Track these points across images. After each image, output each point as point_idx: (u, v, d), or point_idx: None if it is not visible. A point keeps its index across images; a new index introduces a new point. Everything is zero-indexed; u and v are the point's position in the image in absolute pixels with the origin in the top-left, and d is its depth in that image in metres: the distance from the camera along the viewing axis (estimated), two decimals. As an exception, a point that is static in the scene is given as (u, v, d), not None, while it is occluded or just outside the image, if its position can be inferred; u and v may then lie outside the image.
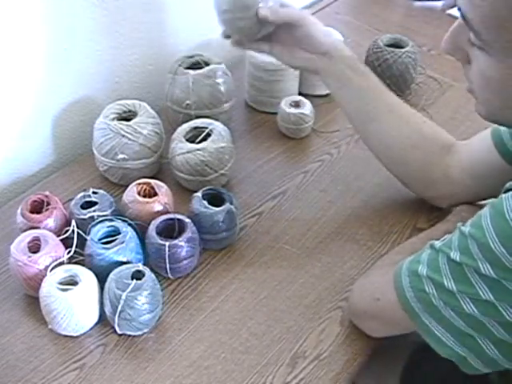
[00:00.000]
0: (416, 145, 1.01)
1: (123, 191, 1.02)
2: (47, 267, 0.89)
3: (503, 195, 0.67)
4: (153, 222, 0.95)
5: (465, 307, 0.70)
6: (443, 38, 0.74)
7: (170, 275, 0.95)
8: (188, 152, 1.05)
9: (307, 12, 1.03)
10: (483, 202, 0.91)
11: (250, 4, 0.95)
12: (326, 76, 1.02)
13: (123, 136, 1.05)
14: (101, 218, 0.95)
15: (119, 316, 0.86)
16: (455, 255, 0.70)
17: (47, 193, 0.99)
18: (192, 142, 1.07)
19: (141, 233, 0.96)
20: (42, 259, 0.90)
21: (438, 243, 0.74)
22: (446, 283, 0.71)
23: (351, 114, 1.03)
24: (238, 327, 0.91)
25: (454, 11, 1.56)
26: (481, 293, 0.68)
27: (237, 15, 0.96)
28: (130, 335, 0.89)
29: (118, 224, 0.94)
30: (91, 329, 0.90)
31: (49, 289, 0.87)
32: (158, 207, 0.98)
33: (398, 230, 1.05)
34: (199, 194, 0.99)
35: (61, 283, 0.87)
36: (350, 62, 1.01)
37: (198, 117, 1.13)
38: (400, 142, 1.01)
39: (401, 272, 0.77)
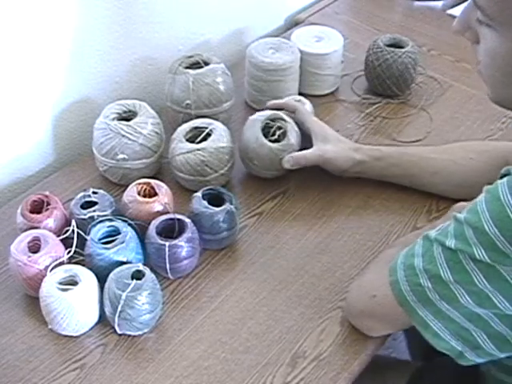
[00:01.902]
0: (474, 184, 1.03)
1: (123, 191, 1.02)
2: (47, 267, 0.89)
3: (499, 181, 0.68)
4: (153, 222, 0.95)
5: (460, 299, 0.70)
6: (455, 19, 0.77)
7: (170, 275, 0.95)
8: (188, 152, 1.05)
9: (323, 130, 1.10)
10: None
11: (274, 159, 1.07)
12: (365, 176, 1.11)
13: (123, 136, 1.05)
14: (101, 218, 0.95)
15: (119, 316, 0.86)
16: (450, 242, 0.70)
17: (47, 193, 0.99)
18: (192, 141, 1.07)
19: (141, 233, 0.96)
20: (42, 259, 0.90)
21: (432, 233, 0.74)
22: (441, 273, 0.71)
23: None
24: (237, 327, 0.91)
25: (454, 11, 1.56)
26: (476, 280, 0.68)
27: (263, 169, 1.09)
28: (130, 335, 0.89)
29: (118, 224, 0.94)
30: (91, 329, 0.90)
31: (49, 289, 0.87)
32: (158, 207, 0.98)
33: (397, 230, 1.05)
34: (199, 193, 0.99)
35: (61, 283, 0.87)
36: (381, 165, 1.07)
37: (197, 116, 1.13)
38: (456, 190, 1.05)
39: (396, 266, 0.78)
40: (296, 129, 1.09)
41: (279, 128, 1.08)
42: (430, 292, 0.73)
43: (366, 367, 0.89)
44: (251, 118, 1.10)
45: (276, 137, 1.08)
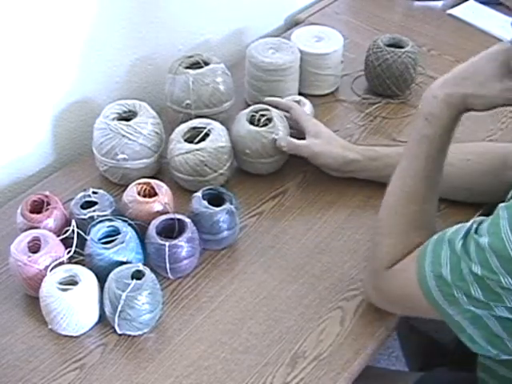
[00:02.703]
0: (472, 186, 1.03)
1: (123, 191, 1.02)
2: (47, 267, 0.89)
3: None
4: (153, 222, 0.95)
5: (495, 309, 0.71)
6: None
7: (170, 275, 0.95)
8: (187, 152, 1.05)
9: (316, 127, 1.11)
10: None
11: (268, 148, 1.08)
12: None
13: (123, 136, 1.05)
14: (101, 218, 0.95)
15: (119, 316, 0.86)
16: (476, 269, 0.69)
17: (47, 193, 0.99)
18: (190, 142, 1.07)
19: (141, 233, 0.96)
20: (42, 259, 0.90)
21: (457, 243, 0.72)
22: (472, 292, 0.71)
23: None
24: (238, 327, 0.91)
25: (454, 11, 1.56)
26: (507, 301, 0.69)
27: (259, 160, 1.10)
28: (130, 335, 0.89)
29: (118, 224, 0.94)
30: (91, 329, 0.90)
31: (49, 289, 0.87)
32: (158, 207, 0.98)
33: (397, 229, 1.05)
34: (199, 193, 0.99)
35: (61, 283, 0.87)
36: (376, 165, 1.07)
37: (197, 116, 1.13)
38: (454, 192, 1.02)
39: (425, 273, 0.77)
40: (282, 116, 1.12)
41: (263, 115, 1.11)
42: (464, 302, 0.73)
43: (363, 380, 0.90)
44: (238, 115, 1.12)
45: (262, 124, 1.11)
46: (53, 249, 0.91)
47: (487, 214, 0.73)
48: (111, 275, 0.88)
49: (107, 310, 0.88)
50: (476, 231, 0.72)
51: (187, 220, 0.96)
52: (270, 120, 1.10)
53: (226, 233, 0.99)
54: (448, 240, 0.75)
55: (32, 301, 0.92)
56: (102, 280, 0.89)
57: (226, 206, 0.98)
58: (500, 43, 0.82)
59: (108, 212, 0.97)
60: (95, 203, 0.98)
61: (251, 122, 1.10)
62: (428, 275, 0.76)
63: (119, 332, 0.89)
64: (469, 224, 0.74)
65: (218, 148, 1.05)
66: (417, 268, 0.78)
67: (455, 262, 0.73)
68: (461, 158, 1.03)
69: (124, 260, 0.91)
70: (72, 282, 0.88)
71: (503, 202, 0.71)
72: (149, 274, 0.89)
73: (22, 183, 1.15)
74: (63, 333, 0.89)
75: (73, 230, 0.94)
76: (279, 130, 1.09)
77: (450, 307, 0.74)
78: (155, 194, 1.00)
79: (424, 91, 0.86)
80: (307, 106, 1.20)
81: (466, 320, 0.74)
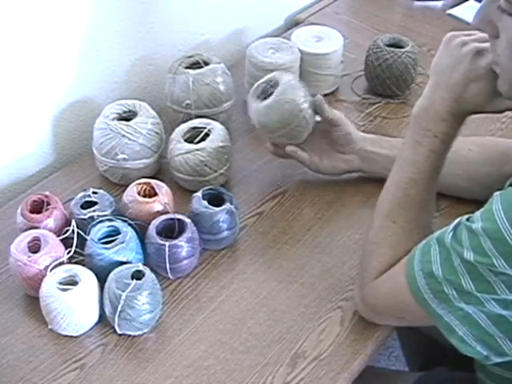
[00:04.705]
0: (472, 176, 1.02)
1: (123, 191, 1.02)
2: (47, 267, 0.89)
3: None
4: (153, 222, 0.95)
5: (486, 304, 0.70)
6: (474, 13, 0.75)
7: (170, 275, 0.95)
8: (187, 152, 1.05)
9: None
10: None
11: (291, 119, 1.03)
12: (368, 172, 1.10)
13: (123, 136, 1.05)
14: (101, 218, 0.95)
15: (119, 316, 0.86)
16: (468, 255, 0.69)
17: (47, 193, 0.99)
18: (190, 142, 1.07)
19: (141, 233, 0.96)
20: (42, 259, 0.90)
21: (446, 238, 0.73)
22: (464, 284, 0.70)
23: None
24: (237, 327, 0.91)
25: (454, 11, 1.56)
26: (499, 291, 0.68)
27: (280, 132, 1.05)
28: (130, 335, 0.89)
29: (118, 224, 0.94)
30: (91, 329, 0.90)
31: (49, 289, 0.87)
32: (158, 207, 0.98)
33: (397, 229, 1.05)
34: (199, 193, 0.99)
35: (61, 283, 0.88)
36: (385, 157, 1.06)
37: (197, 116, 1.13)
38: (455, 182, 1.02)
39: (414, 273, 0.76)
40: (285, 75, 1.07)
41: (269, 86, 1.07)
42: (454, 299, 0.72)
43: (363, 380, 0.90)
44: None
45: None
46: (53, 249, 0.91)
47: None
48: (111, 275, 0.88)
49: (107, 310, 0.88)
50: (468, 219, 0.72)
51: (187, 220, 0.96)
52: (276, 84, 1.05)
53: (225, 233, 0.99)
54: (436, 238, 0.75)
55: (32, 301, 0.92)
56: (102, 280, 0.89)
57: (226, 206, 0.98)
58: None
59: (108, 212, 0.97)
60: (95, 203, 0.98)
61: (262, 98, 1.06)
62: (417, 274, 0.76)
63: (119, 332, 0.89)
64: (456, 220, 0.74)
65: (217, 148, 1.05)
66: (406, 270, 0.78)
67: (445, 256, 0.73)
68: (463, 147, 1.03)
69: (124, 260, 0.91)
70: (72, 282, 0.88)
71: None
72: (149, 274, 0.89)
73: (21, 183, 1.15)
74: (63, 333, 0.89)
75: (73, 230, 0.94)
76: (290, 84, 1.04)
77: (439, 306, 0.74)
78: (155, 194, 1.00)
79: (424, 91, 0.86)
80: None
81: (457, 320, 0.73)
